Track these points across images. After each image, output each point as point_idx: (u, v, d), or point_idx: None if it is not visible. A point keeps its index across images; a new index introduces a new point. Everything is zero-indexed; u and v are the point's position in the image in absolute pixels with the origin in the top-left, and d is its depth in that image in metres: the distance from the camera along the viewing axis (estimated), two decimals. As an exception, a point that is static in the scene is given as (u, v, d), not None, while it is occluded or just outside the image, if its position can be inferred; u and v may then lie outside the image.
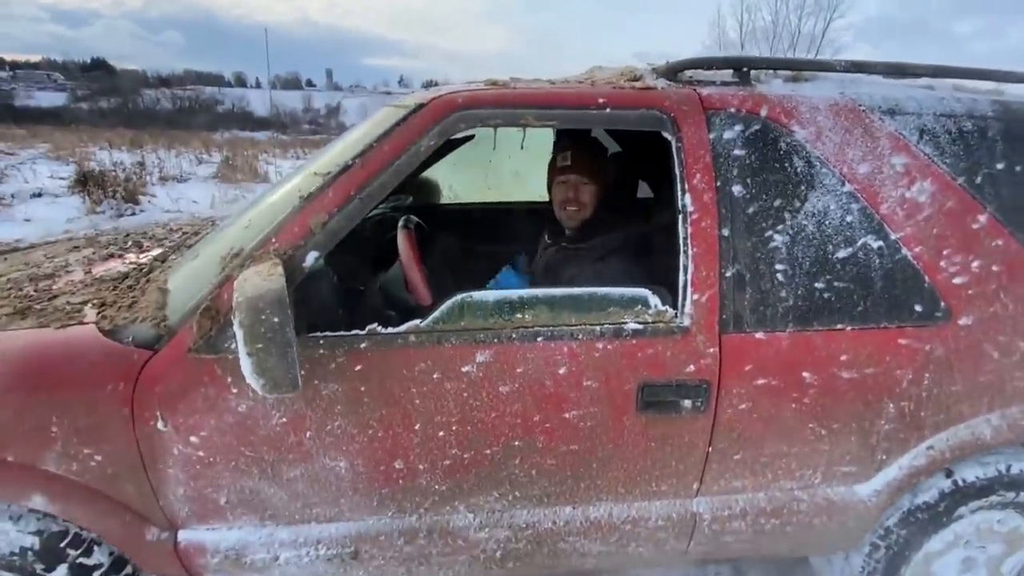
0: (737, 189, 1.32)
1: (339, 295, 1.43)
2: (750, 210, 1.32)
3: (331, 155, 1.43)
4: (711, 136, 1.32)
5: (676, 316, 1.32)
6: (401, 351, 1.24)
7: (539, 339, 1.26)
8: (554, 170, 1.74)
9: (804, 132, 1.35)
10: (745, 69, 1.44)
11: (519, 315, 1.28)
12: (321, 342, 1.22)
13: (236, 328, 1.00)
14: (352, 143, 1.37)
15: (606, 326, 1.29)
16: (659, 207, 1.90)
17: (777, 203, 1.33)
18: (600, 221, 1.69)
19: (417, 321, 1.25)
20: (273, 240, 1.21)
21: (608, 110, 1.28)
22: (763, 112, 1.35)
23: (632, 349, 1.29)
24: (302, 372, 1.21)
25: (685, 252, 1.30)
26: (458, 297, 1.26)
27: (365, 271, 1.90)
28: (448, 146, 2.24)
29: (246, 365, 1.01)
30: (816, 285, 1.34)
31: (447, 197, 2.98)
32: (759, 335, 1.33)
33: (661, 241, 1.55)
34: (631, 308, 1.31)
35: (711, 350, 1.32)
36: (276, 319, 0.96)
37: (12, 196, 8.90)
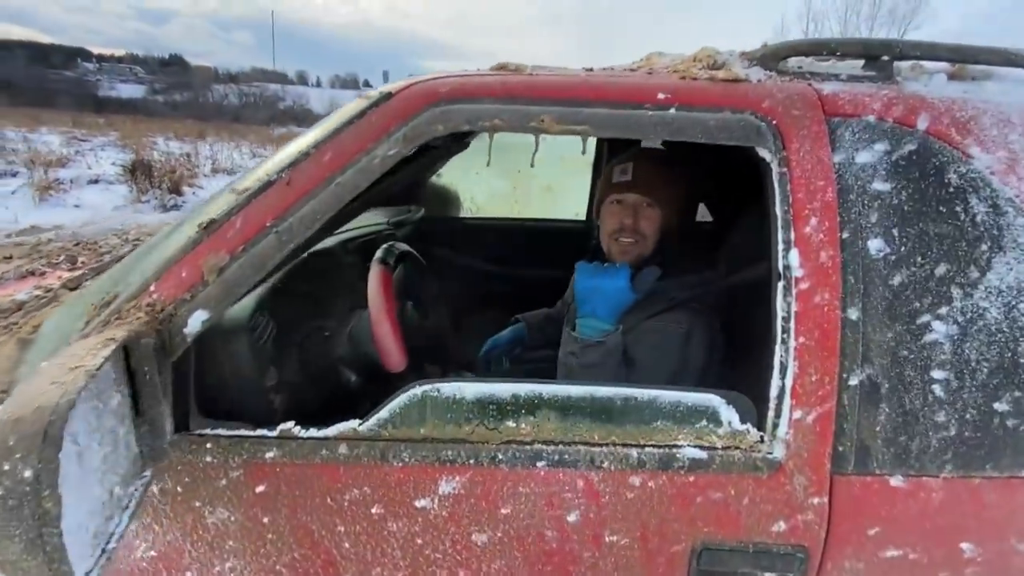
0: (876, 246, 0.82)
1: (266, 359, 1.03)
2: (895, 280, 0.82)
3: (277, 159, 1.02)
4: (836, 159, 0.83)
5: (763, 442, 0.83)
6: (326, 468, 0.81)
7: (540, 463, 0.81)
8: (607, 187, 1.24)
9: (988, 158, 0.84)
10: (887, 57, 0.94)
11: (511, 422, 0.82)
12: (208, 445, 0.81)
13: None
14: (297, 147, 0.95)
15: (648, 450, 0.82)
16: (733, 246, 1.40)
17: (941, 271, 0.82)
18: (661, 261, 1.20)
19: (353, 423, 0.82)
20: (152, 289, 0.81)
21: (672, 111, 0.81)
22: (921, 124, 0.85)
23: (687, 489, 0.82)
24: (178, 488, 0.80)
25: (784, 342, 0.81)
26: (416, 388, 0.82)
27: (342, 308, 1.49)
28: (453, 145, 1.81)
29: None
30: (997, 407, 0.82)
31: (468, 210, 2.56)
32: (896, 480, 0.83)
33: (743, 311, 1.06)
34: (690, 423, 0.83)
35: (816, 499, 0.82)
36: (28, 473, 0.54)
37: (71, 181, 9.19)
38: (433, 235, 2.36)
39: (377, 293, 1.13)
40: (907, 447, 0.83)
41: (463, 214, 2.53)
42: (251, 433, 0.82)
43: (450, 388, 0.81)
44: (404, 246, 1.37)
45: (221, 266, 0.79)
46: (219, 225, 0.82)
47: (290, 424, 0.82)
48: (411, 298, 1.47)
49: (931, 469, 0.84)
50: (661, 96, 0.83)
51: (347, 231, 1.76)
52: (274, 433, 0.82)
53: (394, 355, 1.11)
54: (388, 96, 0.84)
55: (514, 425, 0.82)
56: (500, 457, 0.81)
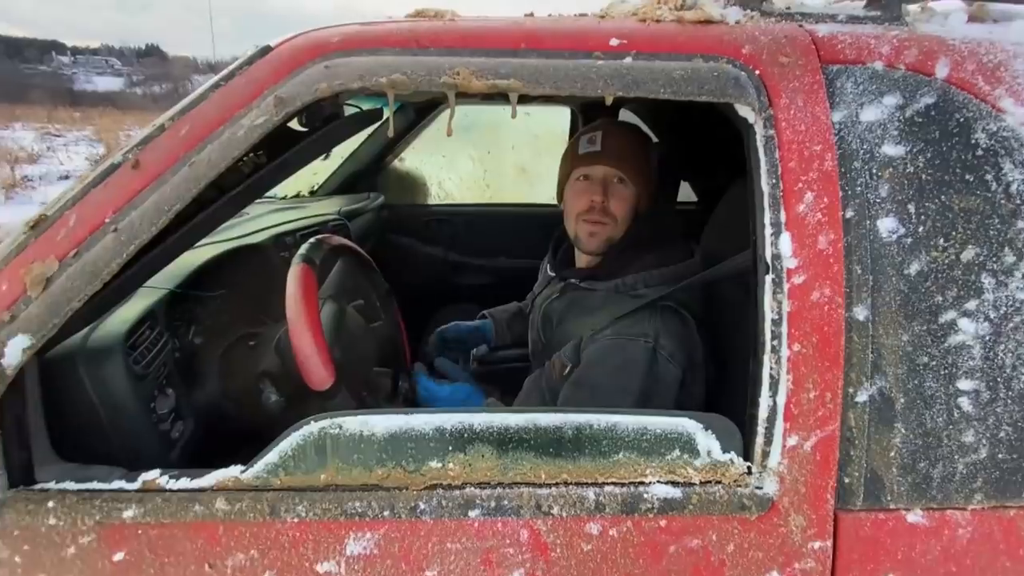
0: (887, 227, 0.65)
1: (155, 381, 0.85)
2: (912, 269, 0.65)
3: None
4: (836, 117, 0.66)
5: (750, 474, 0.67)
6: (202, 527, 0.64)
7: (473, 512, 0.64)
8: (572, 160, 1.06)
9: (1024, 113, 0.67)
10: (895, -8, 0.76)
11: (435, 462, 0.65)
12: (51, 503, 0.63)
13: None
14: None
15: (609, 490, 0.65)
16: (717, 229, 1.23)
17: (968, 255, 0.65)
18: (635, 247, 1.03)
19: (234, 470, 0.65)
20: (-34, 306, 0.63)
21: (628, 60, 0.63)
22: (941, 71, 0.68)
23: (658, 536, 0.65)
24: (16, 559, 0.63)
25: (774, 350, 0.64)
26: (311, 425, 0.64)
27: (275, 313, 1.31)
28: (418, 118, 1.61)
29: None
30: (1039, 421, 0.66)
31: (434, 196, 2.37)
32: (914, 515, 0.67)
33: (726, 312, 0.90)
34: (660, 454, 0.67)
35: (817, 543, 0.67)
36: None
37: (40, 178, 8.87)
38: (395, 224, 2.18)
39: (297, 297, 0.95)
40: (927, 475, 0.67)
41: (429, 201, 2.35)
42: (105, 487, 0.64)
43: (355, 423, 0.64)
44: (340, 239, 1.19)
45: (48, 276, 0.61)
46: (50, 223, 0.63)
47: (153, 474, 0.65)
48: (356, 299, 1.29)
49: (957, 500, 0.68)
50: (614, 42, 0.65)
51: (288, 222, 1.57)
52: (134, 485, 0.64)
53: (317, 371, 0.93)
54: (266, 51, 0.65)
55: (439, 466, 0.65)
56: (422, 507, 0.64)
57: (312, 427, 0.64)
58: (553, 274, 1.16)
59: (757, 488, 0.66)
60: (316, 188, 2.12)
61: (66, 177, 9.33)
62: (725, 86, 0.63)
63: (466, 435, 0.65)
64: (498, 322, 1.42)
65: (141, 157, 0.63)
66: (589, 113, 1.96)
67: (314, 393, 0.97)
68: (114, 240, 0.60)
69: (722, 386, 1.01)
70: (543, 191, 2.30)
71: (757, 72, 0.65)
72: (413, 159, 2.25)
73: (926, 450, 0.67)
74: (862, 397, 0.65)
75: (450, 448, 0.65)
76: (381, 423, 0.64)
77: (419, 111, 2.00)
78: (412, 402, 1.30)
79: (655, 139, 1.97)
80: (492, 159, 2.28)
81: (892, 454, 0.67)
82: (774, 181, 0.64)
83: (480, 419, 0.65)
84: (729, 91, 0.63)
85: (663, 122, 1.94)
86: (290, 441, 0.64)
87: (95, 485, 0.65)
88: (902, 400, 0.66)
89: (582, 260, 1.10)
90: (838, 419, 0.65)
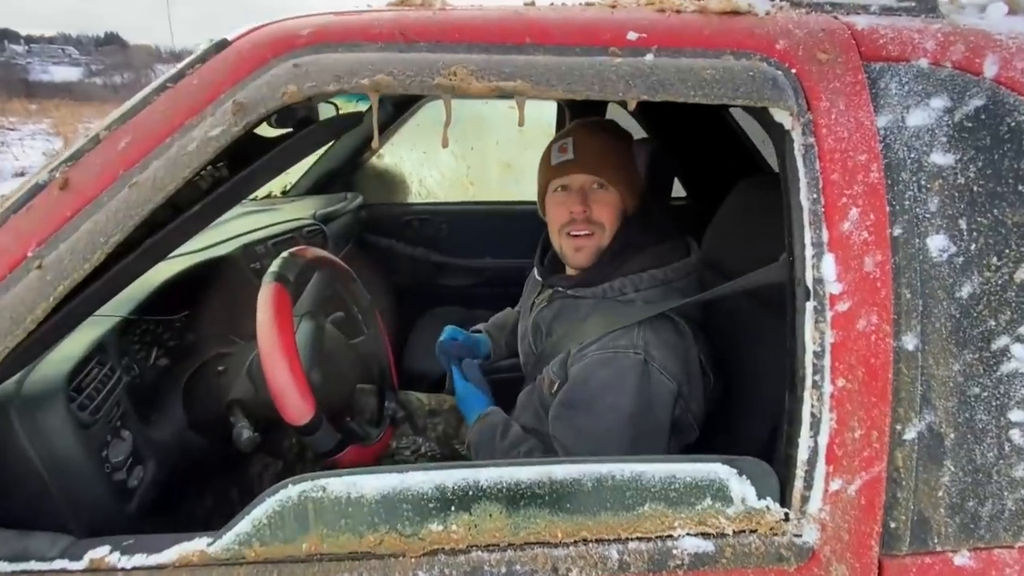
0: (938, 245, 0.58)
1: (107, 426, 0.75)
2: (964, 291, 0.58)
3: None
4: (881, 122, 0.58)
5: (788, 521, 0.60)
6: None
7: (481, 579, 0.56)
8: (547, 171, 0.98)
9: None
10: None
11: (435, 525, 0.57)
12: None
13: None
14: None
15: (634, 546, 0.58)
16: (717, 236, 1.16)
17: (1023, 275, 0.59)
18: (624, 250, 0.94)
19: (200, 541, 0.55)
20: None
21: (650, 58, 0.55)
22: (989, 69, 0.61)
23: (689, 596, 0.58)
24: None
25: (816, 386, 0.57)
26: (289, 489, 0.55)
27: (246, 334, 1.20)
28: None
29: None
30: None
31: (416, 195, 2.26)
32: (960, 557, 0.62)
33: (728, 317, 0.83)
34: (689, 504, 0.59)
35: (861, 594, 0.60)
36: None
37: (-7, 176, 8.41)
38: (374, 225, 2.07)
39: (269, 323, 0.85)
40: (976, 514, 0.62)
41: (410, 200, 2.24)
42: (44, 568, 0.54)
43: (341, 485, 0.55)
44: (315, 251, 1.08)
45: (-41, 323, 0.50)
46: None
47: (102, 550, 0.55)
48: (335, 312, 1.19)
49: (1005, 538, 0.62)
50: (632, 36, 0.56)
51: (258, 229, 1.45)
52: (79, 566, 0.54)
53: (294, 405, 0.83)
54: (223, 45, 0.55)
55: (440, 528, 0.56)
56: (422, 575, 0.56)
57: (290, 491, 0.55)
58: (540, 280, 1.08)
59: (796, 536, 0.60)
60: (288, 188, 1.99)
61: (21, 174, 8.86)
62: (762, 88, 0.55)
63: (471, 492, 0.57)
64: (494, 338, 1.33)
65: (71, 176, 0.52)
66: (575, 106, 1.87)
67: (292, 426, 0.87)
68: (38, 279, 0.49)
69: (726, 399, 0.95)
70: (529, 188, 2.21)
71: (793, 71, 0.57)
72: (392, 156, 2.14)
73: (975, 487, 0.61)
74: (910, 434, 0.59)
75: (453, 508, 0.57)
76: (372, 483, 0.55)
77: (398, 105, 1.89)
78: (399, 423, 1.21)
79: (645, 135, 1.91)
80: (475, 155, 2.18)
81: (940, 494, 0.61)
82: (815, 195, 0.56)
83: (487, 474, 0.56)
84: (767, 94, 0.55)
85: (653, 117, 1.87)
86: (265, 508, 0.55)
87: (32, 566, 0.54)
88: (952, 435, 0.60)
89: (570, 267, 1.03)
90: (884, 459, 0.59)
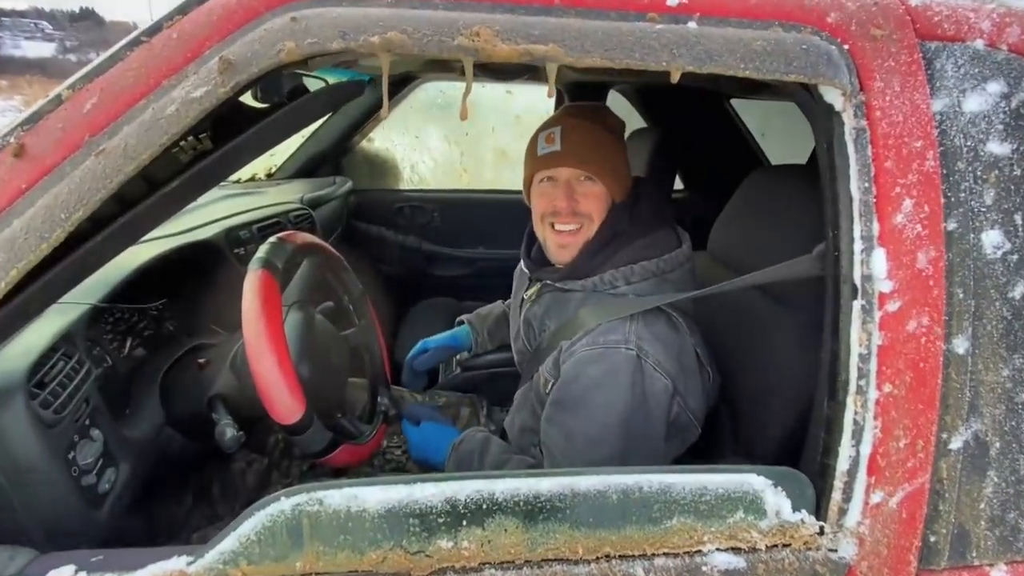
0: (992, 241, 0.54)
1: (74, 426, 0.67)
2: (1016, 292, 0.54)
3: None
4: (937, 106, 0.54)
5: (823, 534, 0.56)
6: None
7: (495, 599, 0.51)
8: (532, 162, 0.92)
9: None
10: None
11: (444, 540, 0.51)
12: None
13: None
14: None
15: (661, 562, 0.53)
16: (726, 227, 1.11)
17: (1079, 275, 0.55)
18: (613, 241, 0.89)
19: (180, 560, 0.49)
20: None
21: (695, 27, 0.49)
22: (1049, 52, 0.56)
23: (718, 616, 0.54)
24: None
25: (860, 391, 0.53)
26: (282, 502, 0.49)
27: (229, 324, 1.12)
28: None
29: None
30: None
31: (408, 181, 2.18)
32: (998, 571, 0.58)
33: (725, 309, 0.78)
34: (720, 516, 0.55)
35: (897, 613, 0.57)
36: None
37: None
38: (364, 211, 1.99)
39: (255, 313, 0.79)
40: (1016, 527, 0.58)
41: (401, 186, 2.16)
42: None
43: (340, 497, 0.49)
44: (305, 236, 1.01)
45: None
46: None
47: (67, 571, 0.48)
48: (325, 302, 1.12)
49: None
50: (672, 2, 0.50)
51: (243, 212, 1.37)
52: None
53: (282, 402, 0.77)
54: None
55: (450, 544, 0.51)
56: (428, 596, 0.50)
57: (283, 504, 0.49)
58: (528, 272, 1.02)
59: (831, 551, 0.56)
60: (274, 171, 1.90)
61: (-11, 151, 8.51)
62: (816, 63, 0.49)
63: (484, 506, 0.51)
64: (477, 329, 1.28)
65: (27, 141, 0.45)
66: (575, 92, 1.81)
67: (279, 424, 0.81)
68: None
69: (733, 397, 0.91)
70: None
71: (846, 47, 0.52)
72: (383, 140, 2.05)
73: (1016, 499, 0.58)
74: (956, 443, 0.55)
75: (464, 522, 0.51)
76: (375, 495, 0.49)
77: (390, 85, 1.80)
78: (392, 421, 1.15)
79: (646, 124, 1.86)
80: (470, 141, 2.11)
81: (982, 506, 0.57)
82: (866, 184, 0.52)
83: (503, 486, 0.51)
84: (821, 69, 0.49)
85: (656, 106, 1.82)
86: (254, 523, 0.49)
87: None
88: (997, 444, 0.56)
89: (555, 263, 0.97)
90: (929, 470, 0.55)
